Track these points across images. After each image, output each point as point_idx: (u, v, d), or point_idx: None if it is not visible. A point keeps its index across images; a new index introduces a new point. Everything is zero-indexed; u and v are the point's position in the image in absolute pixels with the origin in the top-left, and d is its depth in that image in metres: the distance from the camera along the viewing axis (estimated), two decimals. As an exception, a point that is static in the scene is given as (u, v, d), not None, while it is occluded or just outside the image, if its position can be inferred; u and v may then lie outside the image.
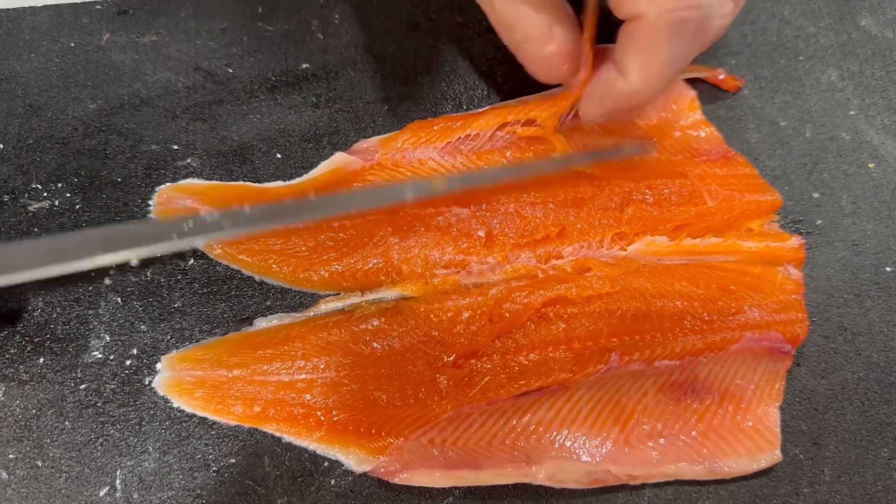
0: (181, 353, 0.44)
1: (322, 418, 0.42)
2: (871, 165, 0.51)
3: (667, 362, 0.44)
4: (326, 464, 0.42)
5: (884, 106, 0.52)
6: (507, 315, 0.43)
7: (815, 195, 0.50)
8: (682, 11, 0.35)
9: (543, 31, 0.42)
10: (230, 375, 0.43)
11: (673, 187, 0.47)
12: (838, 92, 0.53)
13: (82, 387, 0.43)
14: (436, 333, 0.43)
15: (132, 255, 0.39)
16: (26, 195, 0.47)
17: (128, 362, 0.44)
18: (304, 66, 0.52)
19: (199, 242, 0.41)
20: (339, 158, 0.48)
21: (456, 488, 0.42)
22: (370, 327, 0.43)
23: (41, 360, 0.43)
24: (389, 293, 0.45)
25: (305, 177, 0.48)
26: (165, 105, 0.50)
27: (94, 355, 0.44)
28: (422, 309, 0.44)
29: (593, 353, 0.43)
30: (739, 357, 0.44)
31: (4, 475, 0.41)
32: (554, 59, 0.42)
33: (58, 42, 0.51)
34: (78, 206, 0.47)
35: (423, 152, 0.48)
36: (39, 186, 0.47)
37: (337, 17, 0.53)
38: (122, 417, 0.43)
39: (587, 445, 0.41)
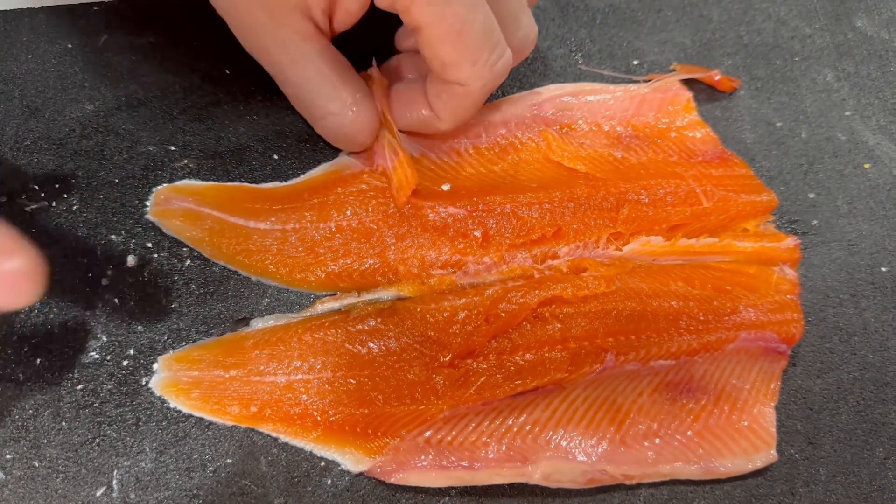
0: (178, 354, 0.44)
1: (318, 418, 0.42)
2: (866, 166, 0.51)
3: (662, 362, 0.44)
4: (323, 464, 0.42)
5: (879, 106, 0.52)
6: (504, 315, 0.43)
7: (811, 195, 0.50)
8: (495, 82, 0.42)
9: (344, 108, 0.43)
10: (227, 376, 0.43)
11: (668, 188, 0.47)
12: (834, 93, 0.53)
13: (79, 387, 0.43)
14: (432, 333, 0.43)
15: None
16: (24, 196, 0.47)
17: (124, 363, 0.44)
18: (301, 67, 0.52)
19: None
20: (342, 160, 0.48)
21: (452, 488, 0.42)
22: (366, 328, 0.43)
23: (38, 360, 0.43)
24: (386, 293, 0.45)
25: (303, 177, 0.48)
26: (163, 106, 0.50)
27: (91, 356, 0.44)
28: (418, 309, 0.44)
29: (589, 353, 0.43)
30: (735, 357, 0.44)
31: (1, 476, 0.41)
32: (356, 134, 0.45)
33: (55, 43, 0.51)
34: (75, 207, 0.47)
35: (421, 152, 0.48)
36: (37, 187, 0.47)
37: (334, 18, 0.53)
38: (119, 418, 0.43)
39: (583, 445, 0.41)
